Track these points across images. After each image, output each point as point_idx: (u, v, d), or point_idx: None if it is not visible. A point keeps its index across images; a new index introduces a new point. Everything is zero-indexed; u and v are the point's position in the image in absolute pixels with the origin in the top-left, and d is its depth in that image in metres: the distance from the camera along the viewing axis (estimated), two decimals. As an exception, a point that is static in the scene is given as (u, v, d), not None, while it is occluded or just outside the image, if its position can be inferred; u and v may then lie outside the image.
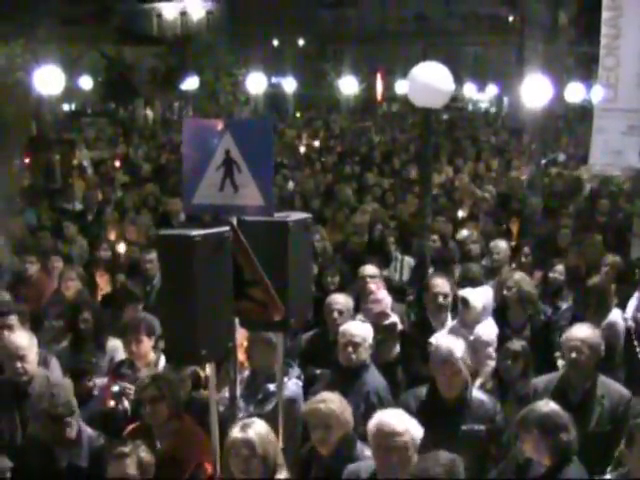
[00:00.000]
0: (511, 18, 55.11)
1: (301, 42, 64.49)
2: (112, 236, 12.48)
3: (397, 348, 7.75)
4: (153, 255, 9.78)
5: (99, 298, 9.82)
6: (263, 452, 4.94)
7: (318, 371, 7.36)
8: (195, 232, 4.59)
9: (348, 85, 47.05)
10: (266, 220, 4.99)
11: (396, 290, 9.45)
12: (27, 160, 18.74)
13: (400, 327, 7.85)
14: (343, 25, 67.77)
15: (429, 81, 8.85)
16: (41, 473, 5.79)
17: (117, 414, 6.49)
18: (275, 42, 64.03)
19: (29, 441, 6.21)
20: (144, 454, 5.19)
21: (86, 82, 42.91)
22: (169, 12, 70.57)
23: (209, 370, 5.10)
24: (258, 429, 5.02)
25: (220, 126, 4.97)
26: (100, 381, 7.11)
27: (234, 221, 4.88)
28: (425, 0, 65.97)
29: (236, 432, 5.00)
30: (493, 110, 60.85)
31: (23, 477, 5.93)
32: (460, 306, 7.64)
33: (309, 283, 5.63)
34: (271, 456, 5.00)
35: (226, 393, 5.91)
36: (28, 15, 27.40)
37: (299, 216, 5.25)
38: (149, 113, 52.78)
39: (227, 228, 4.78)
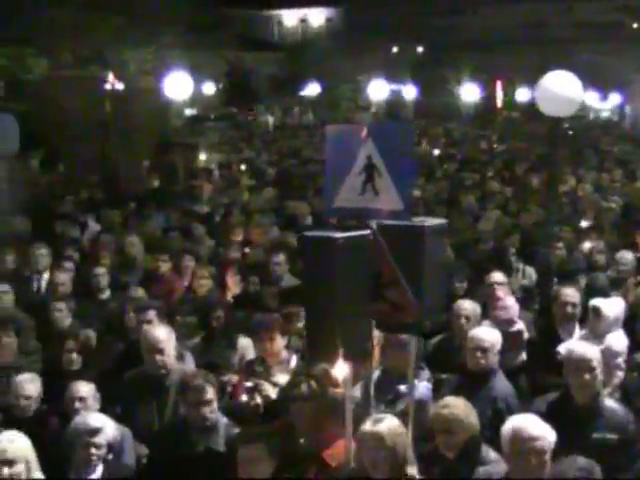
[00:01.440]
0: (635, 25, 53.89)
1: (419, 49, 64.41)
2: (238, 238, 12.77)
3: (523, 356, 7.77)
4: (281, 257, 10.04)
5: (229, 298, 10.08)
6: (392, 445, 5.09)
7: (444, 376, 7.44)
8: (338, 234, 4.76)
9: (469, 92, 46.79)
10: (403, 224, 5.12)
11: (521, 298, 9.43)
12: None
13: (526, 335, 7.87)
14: (460, 32, 67.31)
15: (559, 90, 8.83)
16: (178, 457, 6.01)
17: (250, 408, 6.68)
18: (394, 49, 64.12)
19: (166, 427, 6.48)
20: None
21: (208, 88, 43.83)
22: (289, 19, 71.42)
23: (345, 369, 5.23)
24: (389, 423, 5.17)
25: (362, 132, 5.12)
26: (229, 378, 7.32)
27: (374, 225, 5.02)
28: (544, 8, 64.93)
29: (367, 425, 5.17)
30: (615, 119, 59.50)
31: (159, 462, 6.20)
32: (591, 316, 7.59)
33: (443, 287, 5.73)
34: (400, 450, 5.14)
35: (357, 392, 6.07)
36: (157, 22, 28.22)
37: (435, 221, 5.37)
38: (269, 118, 53.53)
39: (368, 231, 4.92)
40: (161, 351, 6.83)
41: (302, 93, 54.35)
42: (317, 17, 69.74)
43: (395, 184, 5.05)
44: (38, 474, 5.43)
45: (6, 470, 5.21)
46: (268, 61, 55.06)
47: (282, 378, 6.77)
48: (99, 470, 5.84)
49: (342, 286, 4.77)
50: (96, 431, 5.78)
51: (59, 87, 20.01)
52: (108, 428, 5.90)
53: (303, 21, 70.64)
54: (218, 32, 44.36)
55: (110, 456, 5.93)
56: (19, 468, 5.25)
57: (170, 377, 6.85)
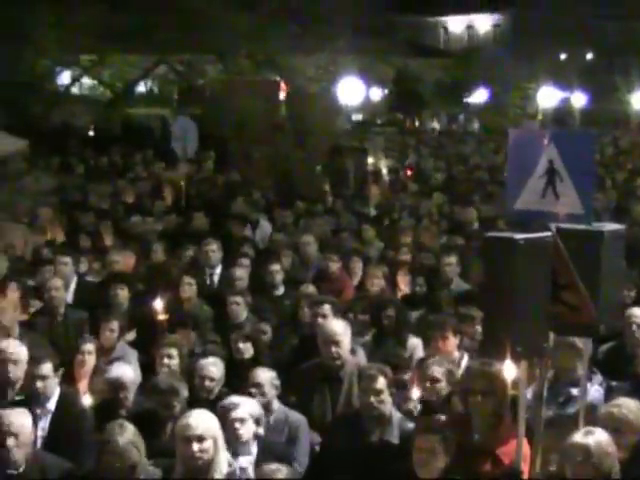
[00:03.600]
0: None
1: (589, 56, 62.94)
2: (407, 240, 12.98)
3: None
4: (452, 259, 10.22)
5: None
6: (598, 460, 5.06)
7: (614, 383, 7.41)
8: (519, 236, 4.89)
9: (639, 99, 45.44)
10: (583, 228, 5.20)
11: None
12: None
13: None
14: (634, 37, 65.25)
15: None
16: (352, 447, 6.25)
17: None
18: (562, 55, 62.88)
19: (340, 417, 6.75)
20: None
21: (375, 93, 44.25)
22: (455, 25, 71.15)
23: (522, 368, 5.32)
24: (598, 437, 5.15)
25: (545, 137, 5.23)
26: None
27: (553, 227, 5.13)
28: None
29: (577, 436, 5.17)
30: None
31: (333, 450, 6.46)
32: None
33: (619, 293, 5.75)
34: (606, 467, 5.10)
35: (528, 393, 6.15)
36: (330, 28, 28.76)
37: (614, 227, 5.42)
38: (435, 125, 53.55)
39: (548, 233, 5.03)
40: (337, 343, 7.11)
41: (468, 100, 54.06)
42: (484, 23, 69.20)
43: (576, 189, 5.13)
44: (224, 452, 5.76)
45: (196, 445, 5.55)
46: (434, 67, 54.99)
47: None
48: (254, 448, 6.13)
49: (521, 286, 4.89)
50: (233, 406, 6.09)
51: (234, 91, 20.72)
52: (247, 403, 6.19)
53: (470, 27, 70.24)
54: (386, 38, 44.72)
55: (260, 430, 6.21)
56: (207, 444, 5.58)
57: (344, 369, 7.12)
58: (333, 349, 7.12)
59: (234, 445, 6.04)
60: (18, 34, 25.48)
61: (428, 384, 6.71)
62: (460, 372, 7.20)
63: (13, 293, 9.47)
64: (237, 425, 6.03)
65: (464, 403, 6.12)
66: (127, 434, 5.66)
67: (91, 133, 30.53)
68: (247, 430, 6.05)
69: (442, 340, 7.34)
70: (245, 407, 6.11)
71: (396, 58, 50.28)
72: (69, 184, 17.72)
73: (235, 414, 6.06)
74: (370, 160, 20.83)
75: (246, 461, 6.02)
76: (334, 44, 29.92)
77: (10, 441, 5.75)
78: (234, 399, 6.21)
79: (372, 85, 43.73)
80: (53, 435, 6.61)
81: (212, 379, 7.07)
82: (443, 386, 6.75)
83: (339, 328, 7.21)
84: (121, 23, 26.22)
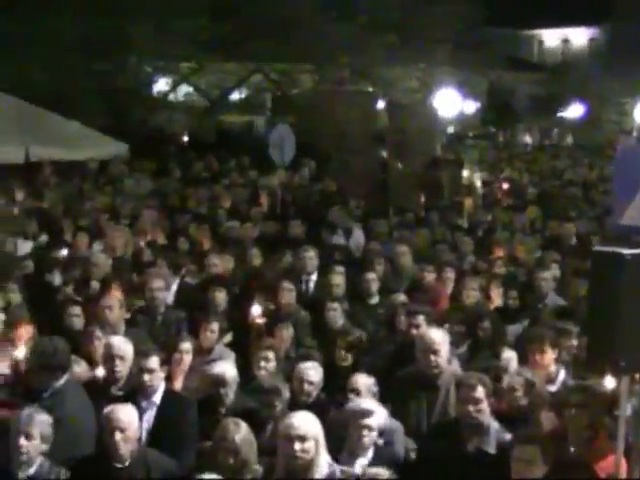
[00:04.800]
0: None
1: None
2: (500, 254, 12.98)
3: None
4: (548, 274, 10.21)
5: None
6: None
7: None
8: (626, 251, 4.92)
9: None
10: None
11: None
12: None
13: None
14: None
15: None
16: (449, 455, 6.34)
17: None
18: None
19: (438, 425, 6.84)
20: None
21: (469, 106, 44.04)
22: (550, 39, 70.27)
23: (623, 384, 5.33)
24: None
25: (653, 153, 5.26)
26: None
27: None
28: None
29: None
30: None
31: (429, 458, 6.54)
32: None
33: None
34: None
35: (628, 408, 6.15)
36: (427, 40, 28.82)
37: None
38: (527, 139, 53.03)
39: (656, 250, 5.05)
40: (436, 352, 7.21)
41: (562, 114, 53.39)
42: (579, 37, 68.20)
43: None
44: (324, 453, 5.89)
45: (298, 445, 5.70)
46: (528, 81, 54.46)
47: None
48: (370, 453, 6.28)
49: (627, 301, 4.93)
50: (368, 413, 6.23)
51: (332, 101, 20.92)
52: (380, 413, 6.32)
53: (565, 41, 69.31)
54: (482, 51, 44.52)
55: (380, 441, 6.34)
56: (309, 444, 5.72)
57: (442, 377, 7.21)
58: (432, 357, 7.22)
59: (353, 448, 6.17)
60: (121, 42, 26.15)
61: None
62: (556, 386, 7.26)
63: (117, 292, 9.79)
64: (365, 432, 6.19)
65: (560, 416, 6.16)
66: (242, 432, 5.85)
67: (186, 139, 31.10)
68: (371, 438, 6.19)
69: (540, 354, 7.36)
70: (377, 417, 6.25)
71: (491, 71, 49.94)
72: (167, 188, 18.12)
73: (367, 421, 6.20)
74: (465, 173, 20.80)
75: (359, 465, 6.15)
76: (431, 56, 29.97)
77: (117, 436, 5.96)
78: (367, 405, 6.32)
79: (466, 98, 43.52)
80: (158, 428, 6.80)
81: (311, 383, 7.22)
82: (520, 395, 6.80)
83: (438, 337, 7.31)
84: (220, 32, 26.65)
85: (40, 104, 19.66)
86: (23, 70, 24.11)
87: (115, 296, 9.35)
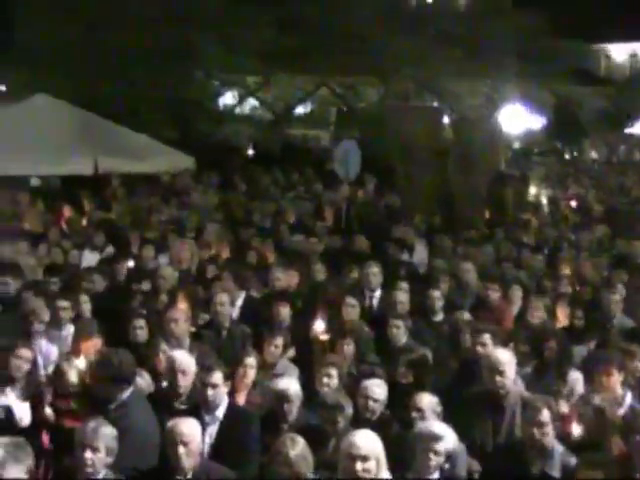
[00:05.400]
0: None
1: None
2: (567, 272, 12.81)
3: None
4: (615, 296, 10.06)
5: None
6: None
7: None
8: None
9: None
10: None
11: None
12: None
13: None
14: None
15: None
16: (513, 477, 6.27)
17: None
18: None
19: (502, 447, 6.76)
20: None
21: (535, 121, 43.57)
22: (618, 53, 69.26)
23: None
24: None
25: None
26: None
27: None
28: None
29: None
30: None
31: (492, 479, 6.48)
32: None
33: None
34: None
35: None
36: (493, 54, 28.67)
37: None
38: (594, 154, 52.31)
39: None
40: (502, 373, 7.15)
41: (630, 130, 52.58)
42: (648, 52, 67.18)
43: None
44: (385, 473, 5.87)
45: (359, 464, 5.68)
46: (596, 95, 53.73)
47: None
48: (435, 476, 6.22)
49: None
50: (438, 438, 6.17)
51: (396, 115, 20.90)
52: (449, 437, 6.27)
53: (633, 56, 68.34)
54: (549, 64, 44.14)
55: (447, 465, 6.30)
56: (370, 464, 5.70)
57: (508, 398, 7.13)
58: (497, 378, 7.16)
59: (419, 471, 6.17)
60: (188, 55, 26.49)
61: None
62: (623, 409, 7.14)
63: (183, 305, 9.88)
64: (432, 456, 6.15)
65: (626, 441, 6.06)
66: (298, 447, 5.85)
67: (251, 152, 31.34)
68: (438, 462, 6.15)
69: (606, 376, 7.25)
70: (446, 442, 6.19)
71: (558, 85, 49.41)
72: (232, 201, 18.24)
73: (435, 446, 6.15)
74: (532, 189, 20.61)
75: None
76: (498, 70, 29.81)
77: (180, 449, 6.00)
78: (437, 429, 6.26)
79: (533, 112, 43.11)
80: (221, 442, 6.83)
81: (376, 400, 7.20)
82: (588, 423, 6.73)
83: (505, 357, 7.25)
84: (287, 46, 26.84)
85: (108, 117, 20.01)
86: (92, 83, 24.55)
87: (181, 309, 9.43)
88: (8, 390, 7.43)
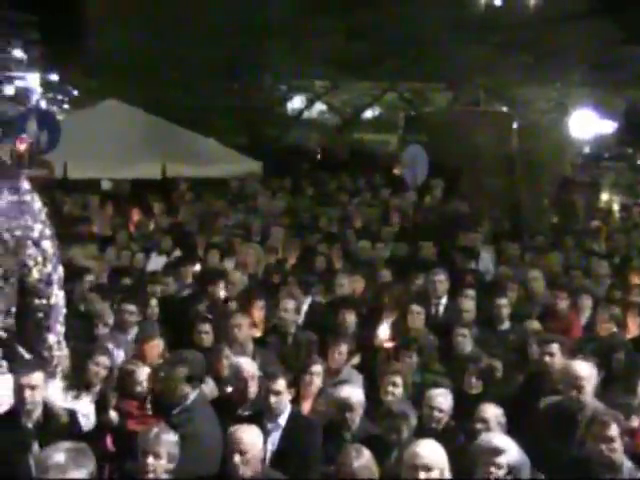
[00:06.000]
0: None
1: None
2: (637, 281, 12.54)
3: None
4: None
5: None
6: None
7: None
8: None
9: None
10: None
11: None
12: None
13: None
14: None
15: None
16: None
17: None
18: None
19: (571, 461, 6.62)
20: None
21: (606, 126, 42.88)
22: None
23: None
24: None
25: None
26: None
27: None
28: None
29: None
30: None
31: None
32: None
33: None
34: None
35: None
36: (563, 60, 28.25)
37: None
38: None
39: None
40: (580, 387, 7.02)
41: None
42: None
43: None
44: (449, 484, 5.80)
45: (423, 474, 5.62)
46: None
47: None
48: None
49: None
50: (499, 451, 6.05)
51: (465, 121, 20.70)
52: (512, 451, 6.14)
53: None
54: (619, 70, 43.40)
55: (509, 478, 6.18)
56: (434, 475, 5.65)
57: (584, 412, 6.97)
58: (574, 392, 7.02)
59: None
60: (257, 61, 26.64)
61: None
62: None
63: (259, 311, 9.91)
64: (493, 469, 6.02)
65: None
66: (362, 458, 5.82)
67: (319, 157, 31.37)
68: (500, 475, 6.04)
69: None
70: (508, 455, 6.06)
71: (628, 90, 48.53)
72: (299, 206, 18.25)
73: (497, 459, 6.02)
74: (603, 196, 20.25)
75: None
76: (567, 76, 29.37)
77: (237, 457, 5.98)
78: (499, 442, 6.12)
79: (603, 118, 42.44)
80: (282, 450, 6.83)
81: (441, 410, 7.14)
82: None
83: (585, 372, 7.10)
84: (355, 51, 26.80)
85: (178, 122, 20.23)
86: (162, 90, 24.86)
87: (245, 315, 9.44)
88: (84, 395, 7.54)
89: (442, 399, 7.18)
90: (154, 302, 10.03)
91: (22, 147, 6.55)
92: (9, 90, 59.28)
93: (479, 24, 26.32)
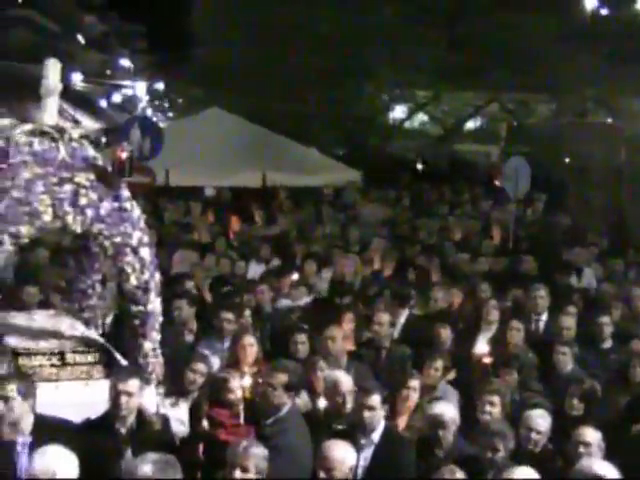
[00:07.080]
0: None
1: None
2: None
3: None
4: None
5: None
6: None
7: None
8: None
9: None
10: None
11: None
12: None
13: None
14: None
15: None
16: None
17: None
18: None
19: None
20: None
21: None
22: None
23: None
24: None
25: None
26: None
27: None
28: None
29: None
30: None
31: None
32: None
33: None
34: None
35: None
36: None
37: None
38: None
39: None
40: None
41: None
42: None
43: None
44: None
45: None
46: None
47: None
48: None
49: None
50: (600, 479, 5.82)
51: (570, 133, 20.32)
52: (610, 476, 5.89)
53: None
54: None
55: None
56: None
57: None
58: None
59: None
60: (359, 70, 26.64)
61: None
62: None
63: (348, 324, 9.80)
64: None
65: None
66: None
67: (419, 167, 31.17)
68: None
69: None
70: None
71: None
72: (399, 217, 18.11)
73: None
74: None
75: None
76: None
77: (322, 475, 5.85)
78: (599, 469, 5.89)
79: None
80: (374, 466, 6.70)
81: (539, 432, 6.94)
82: None
83: None
84: (457, 61, 26.55)
85: (279, 131, 20.34)
86: (265, 100, 25.06)
87: (340, 327, 9.33)
88: (181, 401, 7.56)
89: (541, 420, 6.97)
90: (247, 312, 9.98)
91: (124, 154, 6.59)
92: (116, 98, 60.65)
93: (585, 33, 25.73)
